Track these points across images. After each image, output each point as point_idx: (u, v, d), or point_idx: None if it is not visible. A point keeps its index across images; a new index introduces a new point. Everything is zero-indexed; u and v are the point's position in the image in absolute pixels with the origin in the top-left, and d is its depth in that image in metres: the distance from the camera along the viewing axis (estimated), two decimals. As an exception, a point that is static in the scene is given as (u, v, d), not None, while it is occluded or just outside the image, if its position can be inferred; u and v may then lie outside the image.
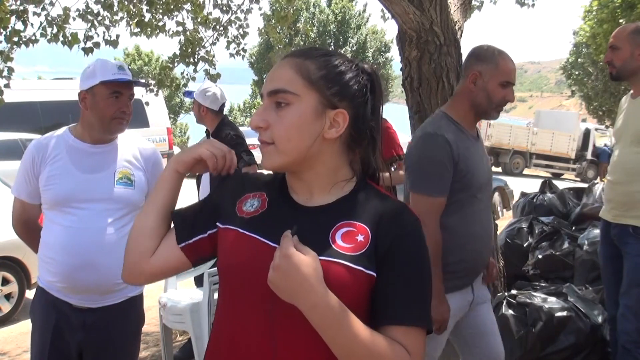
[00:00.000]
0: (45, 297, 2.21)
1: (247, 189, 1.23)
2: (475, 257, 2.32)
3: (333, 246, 1.09)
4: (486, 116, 2.33)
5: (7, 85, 5.03)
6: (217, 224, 1.21)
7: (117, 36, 5.47)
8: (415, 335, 1.08)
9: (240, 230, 1.15)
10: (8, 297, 5.40)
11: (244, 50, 6.12)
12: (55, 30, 5.11)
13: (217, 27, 5.84)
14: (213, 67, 5.78)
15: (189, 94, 4.76)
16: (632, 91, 2.95)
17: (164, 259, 1.23)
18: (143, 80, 2.21)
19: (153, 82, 6.16)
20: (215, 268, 3.01)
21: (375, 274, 1.09)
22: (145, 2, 5.30)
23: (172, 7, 5.41)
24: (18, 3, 4.83)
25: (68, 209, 2.15)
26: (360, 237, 1.10)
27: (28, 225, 2.33)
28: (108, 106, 2.18)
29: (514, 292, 2.79)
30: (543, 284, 3.95)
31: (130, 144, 2.31)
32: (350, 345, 1.02)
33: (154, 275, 1.26)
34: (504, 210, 9.84)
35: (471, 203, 2.26)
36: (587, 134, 21.96)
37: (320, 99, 1.12)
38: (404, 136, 7.98)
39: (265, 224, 1.15)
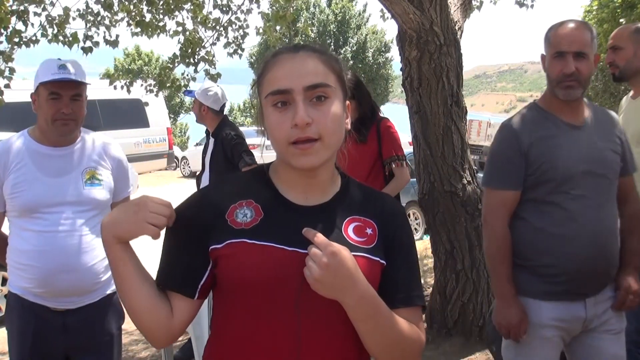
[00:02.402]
0: (20, 304, 2.17)
1: (227, 201, 1.17)
2: (575, 263, 2.01)
3: (350, 241, 1.14)
4: (558, 97, 2.04)
5: (7, 86, 5.04)
6: (212, 246, 1.14)
7: (117, 36, 5.48)
8: (418, 313, 1.20)
9: (249, 241, 1.12)
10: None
11: (242, 50, 6.12)
12: (55, 30, 5.12)
13: (217, 27, 5.84)
14: (213, 67, 5.79)
15: (189, 92, 4.77)
16: (632, 91, 2.95)
17: (187, 314, 1.18)
18: (78, 79, 2.15)
19: (153, 82, 6.17)
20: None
21: (385, 263, 1.17)
22: (146, 2, 5.31)
23: (172, 7, 5.42)
24: (18, 3, 4.83)
25: (39, 214, 2.12)
26: (369, 230, 1.18)
27: None
28: (48, 108, 2.13)
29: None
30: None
31: (95, 144, 2.28)
32: (387, 331, 1.11)
33: (184, 328, 1.21)
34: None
35: (559, 199, 2.01)
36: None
37: (343, 92, 1.17)
38: (404, 136, 8.00)
39: (272, 230, 1.13)
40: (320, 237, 1.06)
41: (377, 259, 1.16)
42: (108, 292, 2.27)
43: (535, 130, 2.06)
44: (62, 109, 2.12)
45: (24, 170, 2.13)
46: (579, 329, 2.10)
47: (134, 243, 1.17)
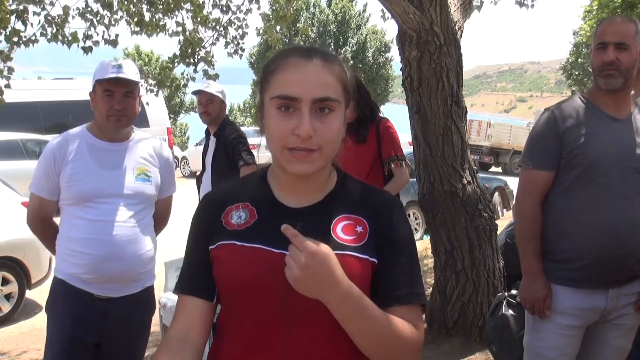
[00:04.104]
0: (65, 289, 2.29)
1: (226, 202, 1.21)
2: (593, 250, 2.04)
3: (338, 240, 1.14)
4: (600, 87, 2.12)
5: (7, 86, 5.04)
6: (209, 247, 1.18)
7: (117, 35, 5.48)
8: (416, 311, 1.17)
9: (239, 243, 1.14)
10: (8, 297, 5.39)
11: (242, 50, 6.12)
12: (55, 29, 5.12)
13: (217, 27, 5.84)
14: (212, 67, 5.78)
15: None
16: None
17: (210, 317, 1.21)
18: (130, 77, 2.29)
19: (153, 82, 6.17)
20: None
21: (376, 260, 1.15)
22: (146, 1, 5.31)
23: (172, 6, 5.41)
24: (18, 3, 4.83)
25: (92, 204, 2.26)
26: (359, 229, 1.17)
27: (45, 222, 2.40)
28: (103, 105, 2.29)
29: (514, 292, 2.79)
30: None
31: (146, 142, 2.45)
32: (376, 330, 1.09)
33: (208, 335, 1.24)
34: (504, 210, 9.85)
35: (585, 186, 2.06)
36: (587, 134, 21.92)
37: (347, 102, 1.17)
38: (404, 136, 8.01)
39: (263, 233, 1.15)
40: (298, 238, 1.05)
41: (366, 257, 1.14)
42: (147, 285, 2.41)
43: (574, 116, 2.12)
44: (114, 105, 2.28)
45: (82, 161, 2.29)
46: (596, 319, 2.13)
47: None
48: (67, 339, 2.27)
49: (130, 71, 2.30)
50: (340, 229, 1.16)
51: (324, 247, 1.06)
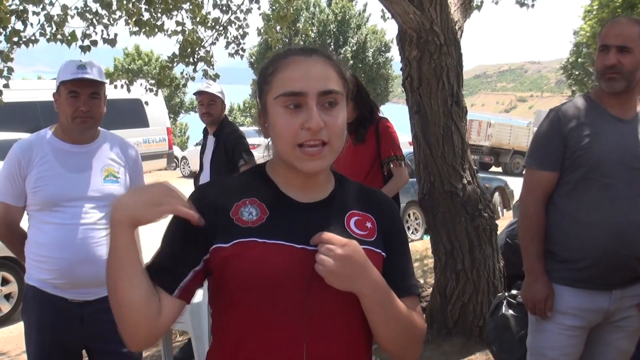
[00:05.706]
0: (39, 296, 2.24)
1: (230, 199, 1.17)
2: (596, 251, 2.04)
3: (353, 235, 1.18)
4: (604, 89, 2.10)
5: (6, 85, 5.03)
6: (217, 245, 1.13)
7: (115, 35, 5.46)
8: (416, 301, 1.25)
9: (260, 240, 1.12)
10: (8, 297, 5.38)
11: (243, 50, 6.12)
12: (54, 29, 5.11)
13: (217, 27, 5.84)
14: (211, 67, 5.78)
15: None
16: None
17: (170, 312, 1.13)
18: (95, 78, 2.23)
19: (152, 81, 6.16)
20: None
21: (384, 255, 1.21)
22: (144, 1, 5.30)
23: (171, 6, 5.41)
24: (18, 3, 4.82)
25: (60, 208, 2.21)
26: (368, 224, 1.22)
27: (12, 228, 2.35)
28: (68, 106, 2.23)
29: (514, 292, 2.79)
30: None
31: (113, 143, 2.40)
32: (399, 319, 1.15)
33: (167, 329, 1.17)
34: (504, 210, 9.85)
35: (589, 186, 2.06)
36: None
37: (346, 97, 1.19)
38: (404, 136, 7.98)
39: (280, 229, 1.14)
40: (326, 234, 1.10)
41: (379, 251, 1.20)
42: None
43: (579, 117, 2.11)
44: (80, 107, 2.22)
45: (47, 165, 2.23)
46: (599, 320, 2.13)
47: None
48: (47, 346, 2.23)
49: (96, 71, 2.25)
50: (353, 224, 1.20)
51: (352, 240, 1.11)
